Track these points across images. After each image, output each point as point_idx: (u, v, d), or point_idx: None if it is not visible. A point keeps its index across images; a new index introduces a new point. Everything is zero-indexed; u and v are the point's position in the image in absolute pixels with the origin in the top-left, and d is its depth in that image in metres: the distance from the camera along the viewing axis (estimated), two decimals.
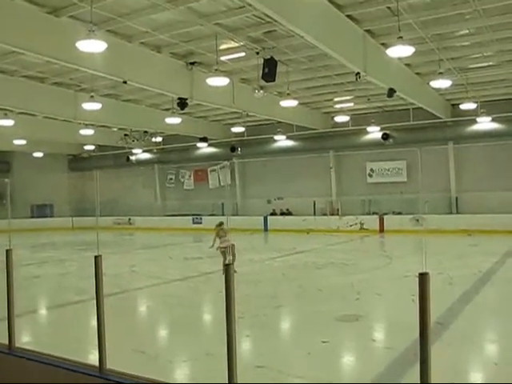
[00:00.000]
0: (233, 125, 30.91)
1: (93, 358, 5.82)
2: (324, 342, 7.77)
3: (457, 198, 29.34)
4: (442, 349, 7.33)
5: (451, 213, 29.11)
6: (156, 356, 7.49)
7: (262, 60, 16.91)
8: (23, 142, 32.65)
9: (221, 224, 14.78)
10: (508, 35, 17.48)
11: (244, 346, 7.79)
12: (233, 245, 14.10)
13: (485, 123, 26.53)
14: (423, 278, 3.43)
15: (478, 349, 7.70)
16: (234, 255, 14.07)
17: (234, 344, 3.84)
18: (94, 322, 4.94)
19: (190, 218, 35.40)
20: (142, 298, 12.92)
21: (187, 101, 20.03)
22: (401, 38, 13.58)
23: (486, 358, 7.44)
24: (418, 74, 21.74)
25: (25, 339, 7.94)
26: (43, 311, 11.91)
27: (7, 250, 5.87)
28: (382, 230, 29.04)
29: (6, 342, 5.84)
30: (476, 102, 24.53)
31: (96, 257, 4.87)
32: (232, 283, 3.72)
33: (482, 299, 11.10)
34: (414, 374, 3.22)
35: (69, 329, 9.26)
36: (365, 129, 29.12)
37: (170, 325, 9.95)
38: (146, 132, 32.36)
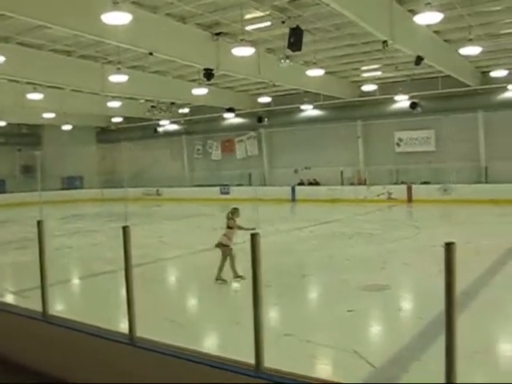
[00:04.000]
0: (259, 95, 30.75)
1: (123, 327, 5.96)
2: (350, 311, 7.83)
3: (486, 168, 28.93)
4: (469, 319, 7.33)
5: (480, 182, 28.72)
6: (186, 325, 7.63)
7: (288, 29, 16.74)
8: (52, 115, 32.92)
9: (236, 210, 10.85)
10: None
11: (272, 314, 7.88)
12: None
13: None
14: (449, 247, 3.43)
15: (508, 320, 7.67)
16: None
17: (261, 312, 3.91)
18: (124, 291, 5.03)
19: (218, 188, 35.58)
20: (170, 268, 13.12)
21: (213, 71, 20.00)
22: (429, 4, 13.34)
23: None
24: (446, 41, 21.30)
25: (58, 307, 8.13)
26: (75, 281, 12.17)
27: (38, 221, 6.01)
28: (410, 199, 28.86)
29: (41, 310, 6.01)
30: (507, 69, 24.03)
31: (124, 227, 4.97)
32: (259, 252, 3.78)
33: (511, 270, 11.00)
34: (441, 344, 3.24)
35: (100, 298, 9.47)
36: (393, 98, 28.75)
37: (199, 294, 10.09)
38: (172, 103, 32.43)
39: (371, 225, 19.53)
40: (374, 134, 31.85)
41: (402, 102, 28.70)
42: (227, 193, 34.71)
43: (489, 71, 25.71)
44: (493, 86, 26.69)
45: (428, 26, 17.69)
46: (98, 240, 17.73)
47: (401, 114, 29.45)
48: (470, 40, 18.31)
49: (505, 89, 26.09)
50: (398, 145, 31.17)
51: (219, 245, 10.41)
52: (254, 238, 3.76)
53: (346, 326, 7.38)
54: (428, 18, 14.14)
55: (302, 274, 10.91)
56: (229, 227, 10.51)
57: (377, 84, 28.34)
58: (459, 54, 20.82)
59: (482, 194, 26.79)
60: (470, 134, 29.01)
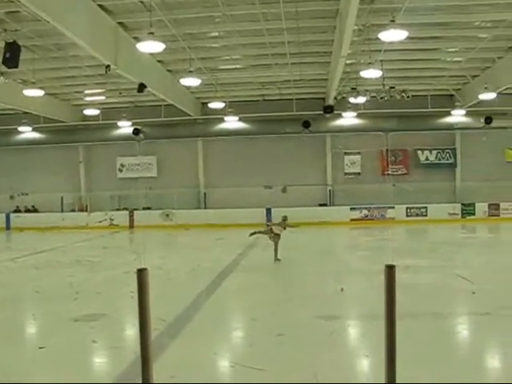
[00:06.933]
0: None
1: None
2: (40, 348, 7.21)
3: (205, 194, 30.38)
4: (182, 342, 7.45)
5: (200, 208, 30.04)
6: None
7: (4, 43, 15.54)
8: None
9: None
10: (253, 41, 18.57)
11: None
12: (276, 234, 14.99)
13: (232, 122, 27.82)
14: (141, 273, 3.31)
15: (220, 339, 7.81)
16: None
17: None
18: None
19: None
20: None
21: None
22: (152, 33, 13.54)
23: (228, 347, 7.58)
24: (169, 70, 21.97)
25: None
26: None
27: None
28: (132, 225, 28.88)
29: None
30: (224, 102, 25.60)
31: None
32: None
33: (223, 290, 11.45)
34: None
35: None
36: (116, 123, 28.58)
37: None
38: None
39: (92, 252, 18.95)
40: (97, 160, 31.33)
41: (126, 128, 28.72)
42: None
43: (208, 102, 27.07)
44: (211, 116, 28.19)
45: (152, 54, 18.03)
46: None
47: (124, 139, 29.46)
48: (191, 72, 19.08)
49: (222, 120, 27.70)
50: (121, 170, 31.10)
51: (276, 236, 14.80)
52: None
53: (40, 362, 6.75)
54: (150, 46, 14.35)
55: None
56: (283, 227, 14.94)
57: (100, 109, 27.91)
58: (181, 84, 21.56)
59: (201, 218, 28.14)
60: (191, 161, 30.35)
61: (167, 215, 28.79)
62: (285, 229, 15.06)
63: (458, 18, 16.59)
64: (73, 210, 30.69)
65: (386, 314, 3.49)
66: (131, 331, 7.80)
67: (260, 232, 15.40)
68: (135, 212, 29.25)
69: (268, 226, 15.80)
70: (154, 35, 13.65)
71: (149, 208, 29.73)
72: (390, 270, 3.44)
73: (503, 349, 7.01)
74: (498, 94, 22.36)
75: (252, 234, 15.40)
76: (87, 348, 7.36)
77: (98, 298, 10.71)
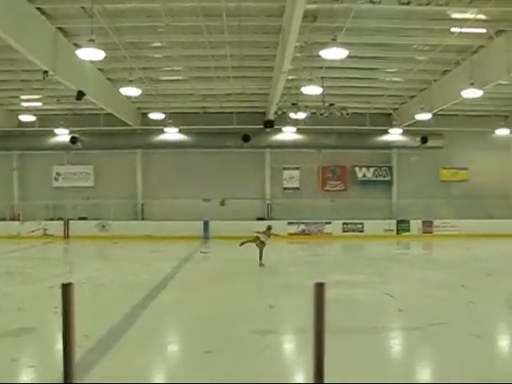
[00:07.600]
0: None
1: None
2: None
3: (143, 205, 29.98)
4: (113, 358, 7.23)
5: (137, 219, 29.61)
6: None
7: None
8: None
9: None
10: (195, 53, 18.53)
11: None
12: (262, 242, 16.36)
13: (172, 134, 27.58)
14: (67, 288, 3.17)
15: (153, 355, 7.63)
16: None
17: None
18: None
19: None
20: None
21: None
22: (92, 40, 13.29)
23: (161, 363, 7.44)
24: (109, 79, 21.61)
25: None
26: None
27: None
28: (66, 236, 28.15)
29: None
30: (164, 113, 25.39)
31: None
32: None
33: (158, 303, 11.25)
34: None
35: None
36: (53, 131, 27.82)
37: None
38: None
39: (24, 263, 18.37)
40: (31, 167, 30.37)
41: (63, 136, 27.99)
42: None
43: (148, 113, 26.79)
44: (151, 127, 27.89)
45: (92, 62, 17.70)
46: None
47: (60, 148, 28.75)
48: (131, 81, 18.82)
49: (162, 131, 27.43)
50: (56, 179, 30.29)
51: (261, 243, 16.22)
52: None
53: None
54: (90, 54, 14.07)
55: None
56: (268, 235, 16.45)
57: (37, 115, 27.10)
58: (121, 93, 21.23)
59: (138, 230, 27.69)
60: (129, 171, 29.91)
61: (103, 226, 28.25)
62: (269, 237, 16.48)
63: (397, 40, 17.06)
64: (4, 219, 29.61)
65: (315, 332, 3.44)
66: (56, 348, 7.46)
67: (249, 241, 16.47)
68: (70, 222, 28.55)
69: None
70: (94, 42, 13.39)
71: (84, 218, 29.09)
72: (320, 287, 3.40)
73: (433, 362, 7.23)
74: (434, 114, 23.01)
75: (242, 244, 16.56)
76: (6, 367, 6.83)
77: (24, 312, 10.22)
